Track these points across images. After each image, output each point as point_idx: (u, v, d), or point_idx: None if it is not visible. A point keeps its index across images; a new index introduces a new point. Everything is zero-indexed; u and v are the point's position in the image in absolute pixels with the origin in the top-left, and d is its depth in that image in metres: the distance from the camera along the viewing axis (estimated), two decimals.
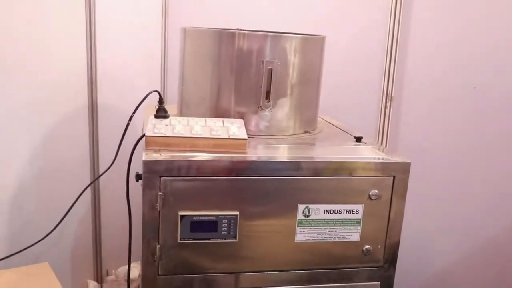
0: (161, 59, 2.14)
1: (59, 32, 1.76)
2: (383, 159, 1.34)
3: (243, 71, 1.44)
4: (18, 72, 1.66)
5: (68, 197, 1.83)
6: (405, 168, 1.33)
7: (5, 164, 1.67)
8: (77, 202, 1.80)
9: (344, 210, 1.33)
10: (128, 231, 1.42)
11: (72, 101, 1.84)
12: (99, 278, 2.14)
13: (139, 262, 2.26)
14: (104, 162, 1.96)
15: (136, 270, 2.20)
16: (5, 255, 1.61)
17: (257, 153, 1.32)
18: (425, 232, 2.03)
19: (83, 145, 1.91)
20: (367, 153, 1.39)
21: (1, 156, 1.65)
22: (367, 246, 1.36)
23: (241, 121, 1.40)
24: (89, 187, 1.95)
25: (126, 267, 2.25)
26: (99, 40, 1.88)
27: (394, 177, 1.33)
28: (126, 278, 2.18)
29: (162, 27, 2.11)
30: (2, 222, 1.66)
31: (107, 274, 2.19)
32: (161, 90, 2.17)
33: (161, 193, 1.22)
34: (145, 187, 1.22)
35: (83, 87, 1.87)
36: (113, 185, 1.98)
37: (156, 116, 1.39)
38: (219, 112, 1.47)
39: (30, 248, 1.66)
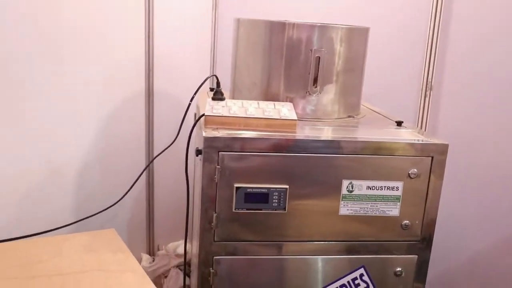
0: (211, 49, 2.28)
1: (121, 23, 1.91)
2: (422, 141, 1.44)
3: (292, 58, 1.56)
4: (84, 59, 1.82)
5: (125, 174, 2.00)
6: (443, 149, 1.43)
7: (73, 143, 1.83)
8: (129, 184, 1.96)
9: (385, 187, 1.43)
10: (186, 203, 1.55)
11: (132, 86, 2.00)
12: (151, 252, 2.30)
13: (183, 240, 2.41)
14: (158, 143, 2.11)
15: (181, 247, 2.36)
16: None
17: (305, 133, 1.44)
18: (462, 215, 2.09)
19: (139, 127, 2.06)
20: (407, 136, 1.49)
21: (70, 135, 1.82)
22: (405, 221, 1.47)
23: (291, 104, 1.52)
24: (144, 166, 2.11)
25: (175, 243, 2.42)
26: (156, 31, 2.03)
27: (432, 157, 1.43)
28: (176, 253, 2.35)
29: (212, 19, 2.24)
30: (68, 194, 1.83)
31: (158, 249, 2.35)
32: (210, 78, 2.30)
33: (219, 167, 1.35)
34: (204, 161, 1.36)
35: (141, 74, 2.02)
36: (165, 166, 2.13)
37: (213, 98, 1.52)
38: (269, 97, 1.59)
39: (88, 221, 1.80)
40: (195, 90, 2.14)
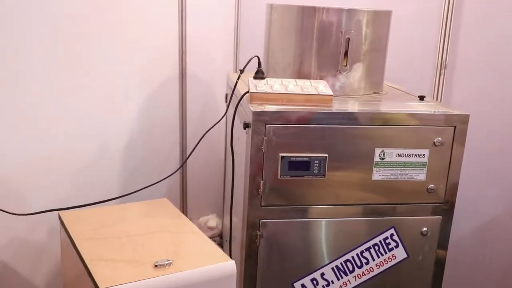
0: (234, 33, 2.41)
1: (157, 9, 2.05)
2: (445, 112, 1.59)
3: (323, 40, 1.70)
4: (126, 45, 1.95)
5: (162, 151, 2.14)
6: (464, 119, 1.59)
7: (118, 122, 1.97)
8: (166, 160, 2.10)
9: (412, 154, 1.59)
10: (231, 177, 1.69)
11: (167, 70, 2.14)
12: None
13: (215, 214, 2.58)
14: (190, 122, 2.25)
15: (213, 221, 2.52)
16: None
17: (340, 107, 1.59)
18: (480, 183, 2.23)
19: (174, 107, 2.20)
20: (431, 108, 1.64)
21: (116, 114, 1.96)
22: (431, 185, 1.62)
23: (324, 82, 1.67)
24: (178, 146, 2.26)
25: (206, 217, 2.57)
26: (188, 17, 2.16)
27: (455, 127, 1.59)
28: (207, 226, 2.51)
29: (235, 4, 2.37)
30: (115, 168, 1.97)
31: None
32: (233, 60, 2.45)
33: (265, 138, 1.50)
34: (253, 133, 1.51)
35: (175, 57, 2.16)
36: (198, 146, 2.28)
37: (255, 78, 1.66)
38: (302, 76, 1.74)
39: (129, 195, 1.93)
40: (221, 72, 2.29)
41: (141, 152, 2.06)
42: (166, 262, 1.27)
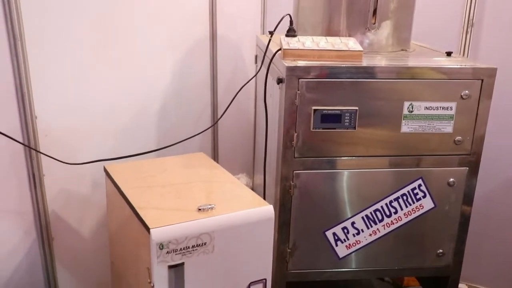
0: None
1: None
2: (472, 66, 1.64)
3: None
4: (161, 10, 2.02)
5: (194, 112, 2.23)
6: (491, 73, 1.63)
7: (154, 83, 2.06)
8: (199, 120, 2.18)
9: (440, 107, 1.65)
10: (265, 132, 1.77)
11: (198, 31, 2.20)
12: None
13: (245, 174, 2.67)
14: (221, 83, 2.32)
15: (243, 180, 2.61)
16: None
17: (369, 62, 1.65)
18: (507, 136, 2.27)
19: (206, 68, 2.27)
20: (458, 63, 1.69)
21: (152, 76, 2.04)
22: (458, 137, 1.68)
23: (354, 39, 1.73)
24: (210, 106, 2.33)
25: (236, 176, 2.66)
26: None
27: (482, 80, 1.63)
28: None
29: None
30: (151, 128, 2.06)
31: None
32: (261, 23, 2.49)
33: (298, 92, 1.57)
34: (286, 88, 1.58)
35: (206, 20, 2.22)
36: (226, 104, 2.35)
37: (286, 35, 1.72)
38: (332, 34, 1.79)
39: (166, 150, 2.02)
40: (250, 34, 2.34)
41: (174, 113, 2.14)
42: (209, 206, 1.37)
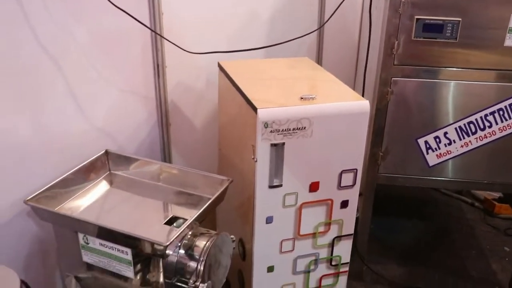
0: None
1: None
2: None
3: None
4: None
5: (301, 21, 2.31)
6: None
7: None
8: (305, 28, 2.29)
9: None
10: (367, 40, 1.85)
11: None
12: None
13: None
14: None
15: None
16: None
17: None
18: None
19: None
20: None
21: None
22: None
23: None
24: (316, 14, 2.37)
25: None
26: None
27: None
28: None
29: None
30: (262, 36, 2.20)
31: None
32: None
33: (403, 0, 1.64)
34: None
35: None
36: None
37: None
38: None
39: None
40: None
41: (282, 20, 2.24)
42: (311, 96, 1.51)
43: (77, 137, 1.69)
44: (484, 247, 2.42)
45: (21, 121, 1.54)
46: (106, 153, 1.74)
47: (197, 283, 1.38)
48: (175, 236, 1.35)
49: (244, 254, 1.72)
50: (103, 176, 1.72)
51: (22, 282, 1.42)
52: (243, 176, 1.61)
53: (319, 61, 2.40)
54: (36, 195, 1.49)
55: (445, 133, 1.81)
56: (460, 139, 1.82)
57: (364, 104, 1.52)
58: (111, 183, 1.71)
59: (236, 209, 1.76)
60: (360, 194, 1.66)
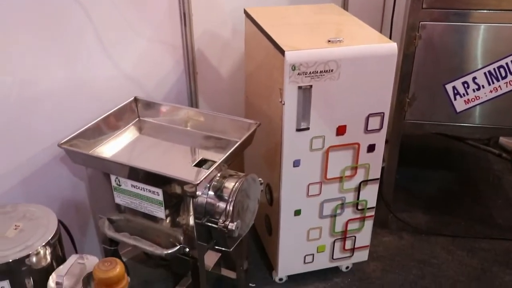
0: None
1: None
2: None
3: None
4: None
5: None
6: None
7: None
8: None
9: None
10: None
11: None
12: None
13: None
14: None
15: None
16: None
17: None
18: None
19: None
20: None
21: None
22: None
23: None
24: None
25: None
26: None
27: None
28: None
29: None
30: None
31: None
32: None
33: None
34: None
35: None
36: None
37: None
38: None
39: None
40: None
41: None
42: (338, 39, 1.50)
43: (106, 85, 1.72)
44: (511, 196, 2.41)
45: (53, 68, 1.57)
46: (135, 99, 1.77)
47: (227, 223, 1.42)
48: (205, 176, 1.38)
49: (271, 199, 1.75)
50: (132, 123, 1.76)
51: (59, 222, 1.48)
52: (270, 121, 1.63)
53: (345, 6, 2.37)
54: (69, 139, 1.53)
55: (474, 78, 1.79)
56: (489, 84, 1.79)
57: (391, 47, 1.51)
58: (140, 129, 1.74)
59: (263, 155, 1.79)
60: (386, 142, 1.66)
